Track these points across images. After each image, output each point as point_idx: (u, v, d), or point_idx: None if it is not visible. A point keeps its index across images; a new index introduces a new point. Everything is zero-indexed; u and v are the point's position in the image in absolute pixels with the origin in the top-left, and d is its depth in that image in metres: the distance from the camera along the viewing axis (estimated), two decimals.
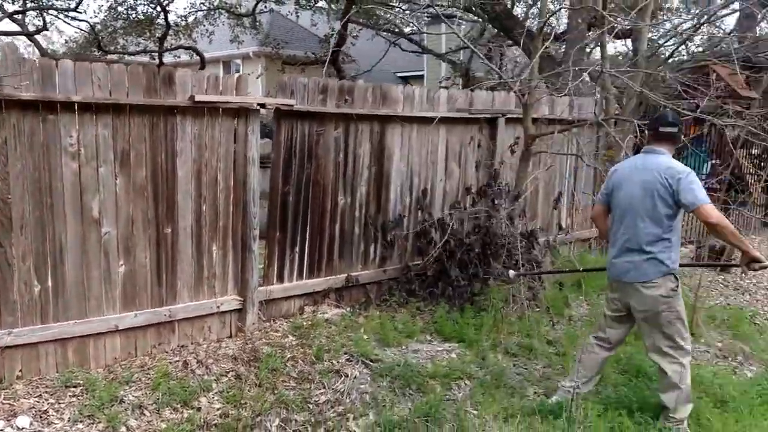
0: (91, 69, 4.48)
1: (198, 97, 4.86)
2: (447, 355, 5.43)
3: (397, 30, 15.49)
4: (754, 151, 11.41)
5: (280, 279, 5.72)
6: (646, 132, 4.59)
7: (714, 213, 4.13)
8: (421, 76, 24.95)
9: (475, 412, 4.61)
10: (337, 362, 4.98)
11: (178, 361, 4.81)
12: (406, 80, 24.58)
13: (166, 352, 4.94)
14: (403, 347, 5.46)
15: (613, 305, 4.63)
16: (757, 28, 11.47)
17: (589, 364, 4.73)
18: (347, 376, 4.83)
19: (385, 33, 15.57)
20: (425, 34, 19.02)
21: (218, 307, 5.22)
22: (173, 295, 5.02)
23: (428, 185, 6.69)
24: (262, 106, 5.24)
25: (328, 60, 8.55)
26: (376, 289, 6.40)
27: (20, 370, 4.38)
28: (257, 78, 17.44)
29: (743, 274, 4.35)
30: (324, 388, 4.69)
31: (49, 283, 4.47)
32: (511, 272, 5.83)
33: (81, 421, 3.94)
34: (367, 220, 6.26)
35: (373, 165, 6.21)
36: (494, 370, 5.18)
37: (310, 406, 4.47)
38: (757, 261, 4.24)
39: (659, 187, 4.24)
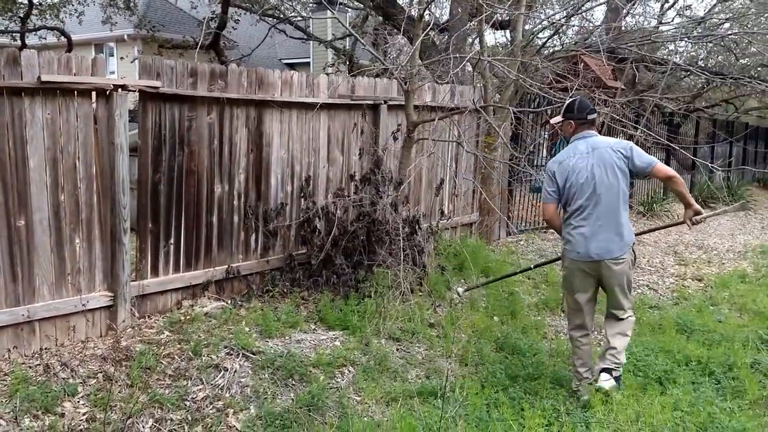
0: None
1: (45, 77, 4.45)
2: (331, 344, 5.38)
3: (281, 15, 15.16)
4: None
5: (155, 272, 5.42)
6: (574, 121, 4.80)
7: (669, 168, 4.74)
8: (308, 63, 24.70)
9: (358, 398, 4.60)
10: (217, 356, 4.79)
11: (38, 364, 4.43)
12: (292, 66, 24.29)
13: (26, 356, 4.54)
14: (286, 338, 5.35)
15: (587, 289, 4.79)
16: (623, 22, 12.20)
17: (585, 356, 4.86)
18: (227, 370, 4.66)
19: (269, 18, 15.21)
20: (311, 20, 18.77)
21: (84, 304, 4.86)
22: (31, 292, 4.61)
23: (311, 172, 6.58)
24: (123, 87, 4.88)
25: (205, 43, 8.19)
26: (259, 280, 6.23)
27: None
28: (132, 62, 16.51)
29: (689, 228, 4.87)
30: (202, 384, 4.49)
31: None
32: (460, 289, 6.03)
33: None
34: (247, 210, 6.06)
35: (251, 152, 6.01)
36: (377, 355, 5.19)
37: (187, 403, 4.26)
38: (699, 213, 4.74)
39: (617, 161, 4.57)
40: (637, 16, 14.78)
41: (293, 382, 4.73)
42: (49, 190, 4.65)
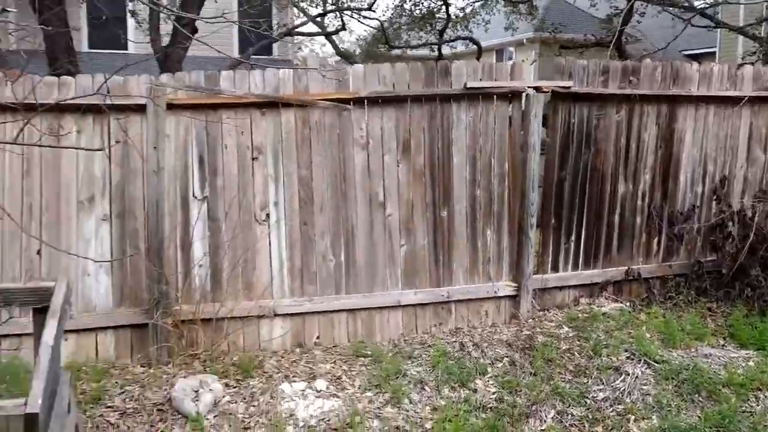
0: (378, 69, 4.92)
1: (470, 84, 4.96)
2: (743, 363, 4.78)
3: (686, 4, 13.95)
4: None
5: (555, 268, 5.56)
6: None
7: None
8: (712, 54, 22.23)
9: None
10: (617, 359, 4.68)
11: (455, 341, 4.96)
12: (695, 58, 22.12)
13: (444, 332, 5.14)
14: (692, 350, 4.93)
15: None
16: None
17: None
18: (628, 374, 4.52)
19: (672, 9, 14.13)
20: (720, 6, 16.83)
21: (495, 291, 5.27)
22: (449, 276, 5.20)
23: (725, 172, 5.92)
24: (537, 89, 5.12)
25: (606, 40, 8.03)
26: (660, 285, 5.87)
27: (317, 337, 4.93)
28: (531, 64, 17.23)
29: None
30: (602, 384, 4.45)
31: (342, 259, 4.94)
32: None
33: (369, 390, 4.28)
34: (651, 210, 5.76)
35: (659, 150, 5.69)
36: None
37: (587, 401, 4.27)
38: None
39: None
40: None
41: (700, 399, 4.34)
42: (468, 185, 5.16)
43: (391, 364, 4.54)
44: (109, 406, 3.90)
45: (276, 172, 4.81)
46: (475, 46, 15.92)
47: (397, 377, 4.42)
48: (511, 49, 23.30)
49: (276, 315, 4.79)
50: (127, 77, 4.46)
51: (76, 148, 4.32)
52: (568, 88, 5.22)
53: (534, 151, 5.16)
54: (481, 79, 5.03)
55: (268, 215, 4.81)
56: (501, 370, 4.59)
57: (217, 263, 4.71)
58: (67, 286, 3.09)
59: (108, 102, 3.97)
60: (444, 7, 14.31)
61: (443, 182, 5.11)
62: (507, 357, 4.75)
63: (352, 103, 4.82)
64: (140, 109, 4.44)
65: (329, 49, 17.42)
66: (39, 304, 3.09)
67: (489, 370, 4.58)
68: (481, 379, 4.47)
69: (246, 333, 4.75)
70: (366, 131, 4.92)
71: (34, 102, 3.57)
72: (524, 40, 21.44)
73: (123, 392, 4.08)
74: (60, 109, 4.26)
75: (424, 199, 5.08)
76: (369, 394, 4.25)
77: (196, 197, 4.69)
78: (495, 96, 5.12)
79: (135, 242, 4.58)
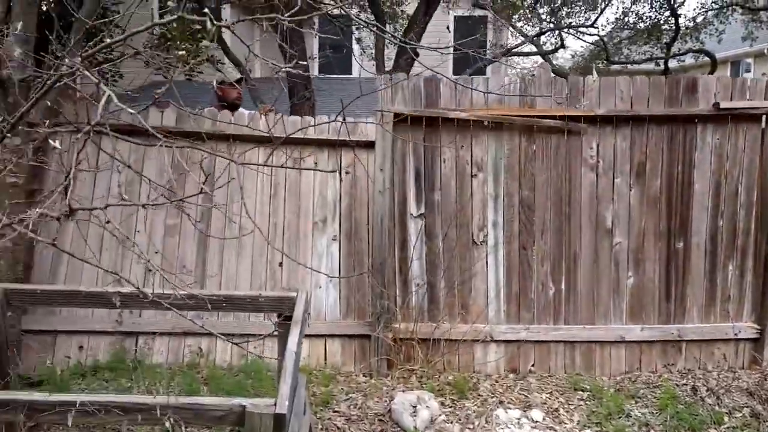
0: (615, 82, 4.61)
1: (723, 104, 4.50)
2: None
3: None
4: None
5: None
6: None
7: None
8: None
9: None
10: None
11: (685, 384, 4.53)
12: None
13: (672, 373, 4.70)
14: None
15: None
16: None
17: None
18: None
19: None
20: None
21: (736, 333, 4.71)
22: (681, 313, 4.75)
23: None
24: None
25: None
26: None
27: (532, 365, 4.78)
28: None
29: None
30: None
31: (563, 287, 4.76)
32: None
33: (589, 427, 4.05)
34: None
35: None
36: None
37: None
38: None
39: None
40: None
41: None
42: (709, 215, 4.69)
43: (612, 401, 4.26)
44: (336, 411, 4.14)
45: (496, 191, 4.78)
46: (706, 58, 14.57)
47: (620, 417, 4.14)
48: (749, 60, 20.96)
49: (492, 340, 4.74)
50: (358, 123, 4.81)
51: (315, 170, 4.71)
52: None
53: None
54: (731, 98, 4.55)
55: (485, 236, 4.79)
56: (740, 421, 4.08)
57: (434, 283, 4.79)
58: (306, 297, 3.35)
59: (342, 138, 4.30)
60: (672, 19, 13.30)
61: (680, 210, 4.70)
62: (748, 407, 4.21)
63: (582, 120, 4.64)
64: (370, 145, 4.74)
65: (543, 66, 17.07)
66: (283, 312, 3.39)
67: (726, 420, 4.09)
68: (716, 429, 4.01)
69: (460, 354, 4.76)
70: (597, 151, 4.70)
71: (283, 135, 3.98)
72: (765, 51, 19.15)
73: (348, 399, 4.31)
74: (302, 143, 4.71)
75: (657, 228, 4.71)
76: (588, 431, 4.03)
77: (412, 214, 4.82)
78: (746, 117, 4.60)
79: (360, 260, 4.83)
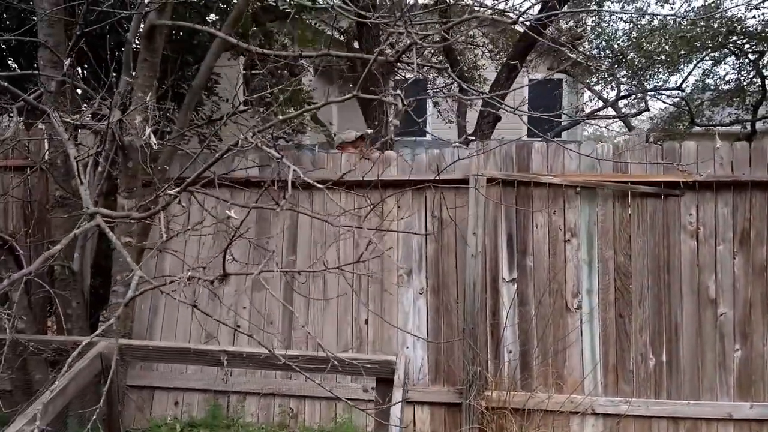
0: (713, 147, 4.50)
1: None
2: None
3: None
4: None
5: None
6: None
7: None
8: None
9: None
10: None
11: None
12: None
13: None
14: None
15: None
16: None
17: None
18: None
19: None
20: None
21: None
22: None
23: None
24: None
25: None
26: None
27: None
28: None
29: None
30: None
31: (664, 358, 4.54)
32: None
33: None
34: None
35: None
36: None
37: None
38: None
39: None
40: None
41: None
42: None
43: None
44: None
45: (590, 257, 4.67)
46: None
47: None
48: None
49: (591, 413, 4.54)
50: (442, 155, 4.82)
51: (404, 232, 4.73)
52: None
53: None
54: None
55: (580, 304, 4.66)
56: None
57: (527, 351, 4.67)
58: (404, 362, 3.32)
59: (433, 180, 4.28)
60: (758, 80, 12.96)
61: None
62: None
63: (681, 185, 4.52)
64: (456, 185, 4.72)
65: (616, 129, 16.88)
66: (380, 375, 3.37)
67: None
68: None
69: (555, 427, 4.57)
70: (696, 217, 4.55)
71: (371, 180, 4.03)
72: None
73: None
74: (384, 185, 4.61)
75: (765, 299, 4.47)
76: None
77: (504, 279, 4.75)
78: None
79: (449, 318, 4.77)
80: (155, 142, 2.81)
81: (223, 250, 1.84)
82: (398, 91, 1.94)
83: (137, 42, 4.01)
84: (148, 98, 3.34)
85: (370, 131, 5.97)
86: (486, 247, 4.74)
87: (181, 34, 5.85)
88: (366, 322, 4.86)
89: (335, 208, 4.67)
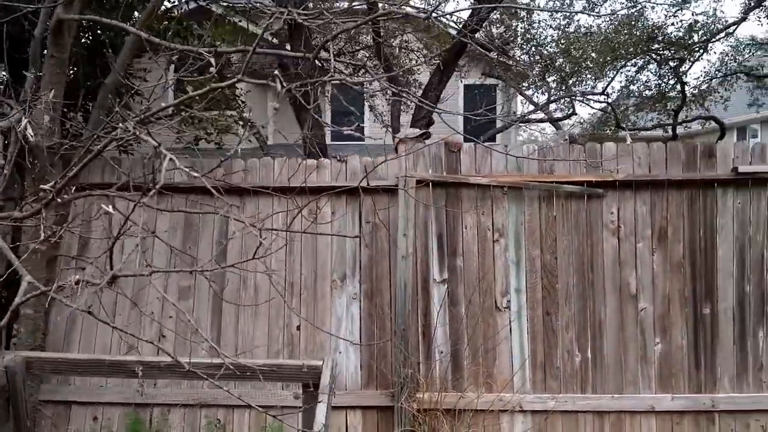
0: (633, 149, 4.65)
1: (742, 168, 4.52)
2: None
3: None
4: None
5: None
6: None
7: None
8: None
9: None
10: None
11: None
12: None
13: None
14: None
15: None
16: None
17: None
18: None
19: None
20: None
21: None
22: (713, 382, 4.60)
23: None
24: None
25: None
26: None
27: None
28: None
29: None
30: None
31: (589, 354, 4.64)
32: None
33: None
34: None
35: None
36: None
37: None
38: None
39: None
40: None
41: None
42: (735, 280, 4.62)
43: None
44: None
45: (518, 257, 4.74)
46: (713, 125, 14.75)
47: None
48: (756, 126, 21.20)
49: (519, 410, 4.59)
50: (376, 161, 4.77)
51: (336, 235, 4.67)
52: None
53: None
54: (750, 162, 4.57)
55: (509, 303, 4.71)
56: None
57: (458, 351, 4.68)
58: (332, 366, 3.26)
59: (362, 185, 4.23)
60: (679, 86, 13.54)
61: (705, 275, 4.63)
62: None
63: (602, 185, 4.65)
64: (390, 191, 4.71)
65: (550, 132, 17.33)
66: (307, 381, 3.30)
67: None
68: None
69: (486, 425, 4.59)
70: (617, 216, 4.68)
71: (303, 186, 3.96)
72: None
73: None
74: (318, 191, 4.54)
75: (682, 294, 4.63)
76: None
77: (435, 280, 4.76)
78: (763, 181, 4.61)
79: (382, 322, 4.74)
80: (31, 134, 2.66)
81: (108, 250, 1.74)
82: (276, 72, 1.90)
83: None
84: (51, 95, 3.17)
85: (427, 131, 5.82)
86: (417, 249, 4.74)
87: (99, 31, 5.65)
88: (298, 328, 4.78)
89: (267, 214, 4.58)
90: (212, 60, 2.50)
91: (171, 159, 1.75)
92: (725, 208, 4.63)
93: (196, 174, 2.03)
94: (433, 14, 3.18)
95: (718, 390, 4.59)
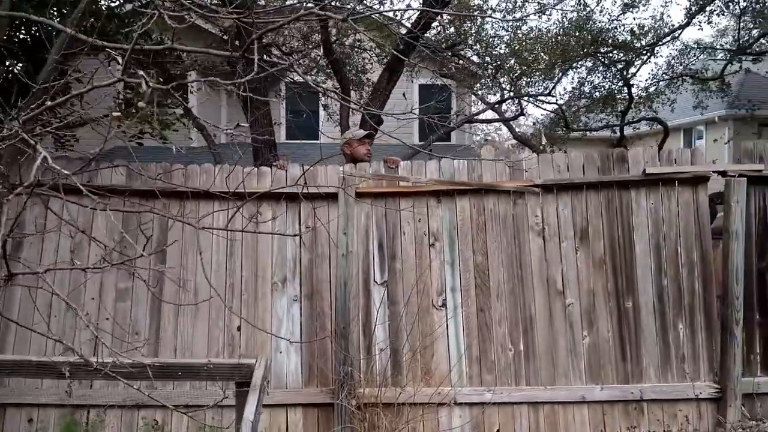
0: (552, 158, 5.04)
1: (649, 170, 4.84)
2: None
3: None
4: None
5: (766, 370, 4.93)
6: None
7: None
8: None
9: None
10: None
11: None
12: None
13: None
14: None
15: None
16: None
17: None
18: None
19: None
20: None
21: (697, 394, 4.77)
22: (639, 372, 4.82)
23: None
24: (722, 173, 4.83)
25: None
26: None
27: (497, 429, 4.78)
28: (725, 144, 16.05)
29: None
30: None
31: (521, 348, 4.82)
32: None
33: None
34: None
35: None
36: None
37: None
38: None
39: None
40: None
41: None
42: (653, 275, 4.87)
43: None
44: None
45: (452, 258, 4.91)
46: (659, 126, 15.22)
47: None
48: (701, 128, 21.93)
49: (456, 404, 4.74)
50: (317, 167, 4.83)
51: (275, 234, 4.75)
52: (760, 171, 4.85)
53: (737, 240, 4.75)
54: (660, 165, 4.87)
55: (444, 301, 4.87)
56: None
57: (397, 348, 4.82)
58: (265, 364, 3.34)
59: (304, 191, 4.33)
60: (626, 89, 13.95)
61: (625, 271, 4.87)
62: None
63: (524, 191, 4.90)
64: (329, 196, 4.83)
65: (505, 132, 17.66)
66: (241, 379, 3.37)
67: None
68: None
69: (425, 420, 4.73)
70: (542, 218, 4.90)
71: (243, 191, 4.03)
72: (716, 119, 20.11)
73: None
74: (259, 197, 4.64)
75: (606, 289, 4.86)
76: None
77: (376, 282, 4.90)
78: (677, 181, 4.90)
79: (322, 322, 4.84)
80: None
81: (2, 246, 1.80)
82: (140, 72, 1.97)
83: None
84: None
85: (373, 131, 5.89)
86: (359, 254, 4.86)
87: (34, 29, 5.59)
88: (239, 329, 4.84)
89: (207, 219, 4.63)
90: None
91: (45, 157, 1.81)
92: (639, 208, 4.91)
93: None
94: (350, 17, 3.26)
95: (645, 380, 4.82)
